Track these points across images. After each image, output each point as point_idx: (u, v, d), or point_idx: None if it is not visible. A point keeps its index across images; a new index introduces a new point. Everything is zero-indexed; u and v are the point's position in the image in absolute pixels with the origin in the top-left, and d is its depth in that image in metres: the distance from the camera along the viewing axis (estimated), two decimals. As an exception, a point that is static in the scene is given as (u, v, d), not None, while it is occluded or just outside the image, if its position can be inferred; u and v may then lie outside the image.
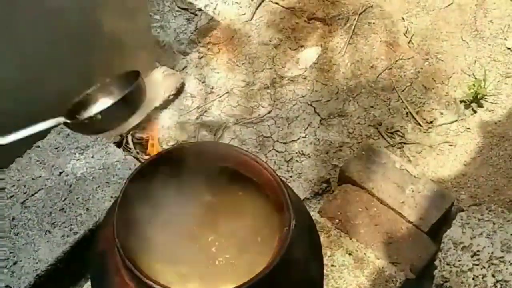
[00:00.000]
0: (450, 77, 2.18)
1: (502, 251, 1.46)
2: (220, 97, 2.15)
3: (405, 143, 2.03)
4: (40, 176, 1.59)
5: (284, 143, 2.04)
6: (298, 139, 2.05)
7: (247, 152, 1.16)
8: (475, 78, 2.16)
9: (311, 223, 1.23)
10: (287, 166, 1.98)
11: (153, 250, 1.13)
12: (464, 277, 1.43)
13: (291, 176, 1.96)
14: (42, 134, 1.67)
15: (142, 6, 1.90)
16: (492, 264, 1.44)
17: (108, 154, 1.65)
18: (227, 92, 2.16)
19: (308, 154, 2.01)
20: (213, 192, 1.21)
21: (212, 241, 1.16)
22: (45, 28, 1.63)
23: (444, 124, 2.07)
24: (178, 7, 2.37)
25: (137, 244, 1.10)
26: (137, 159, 1.87)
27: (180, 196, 1.19)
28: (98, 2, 1.71)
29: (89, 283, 1.50)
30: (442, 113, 2.10)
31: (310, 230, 1.21)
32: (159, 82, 2.08)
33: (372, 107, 2.12)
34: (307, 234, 1.18)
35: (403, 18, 2.34)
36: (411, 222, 1.69)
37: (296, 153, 2.01)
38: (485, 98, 2.11)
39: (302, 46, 2.28)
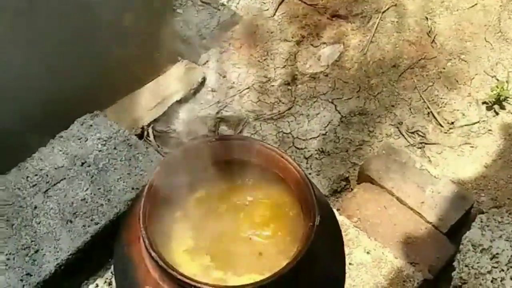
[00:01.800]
0: (473, 78, 2.17)
1: (523, 254, 1.45)
2: (240, 92, 2.15)
3: (425, 143, 2.02)
4: (62, 166, 1.60)
5: (304, 140, 2.04)
6: (318, 136, 2.04)
7: (272, 146, 1.16)
8: (498, 80, 2.14)
9: (334, 220, 1.23)
10: (307, 163, 1.98)
11: (177, 242, 1.14)
12: (482, 280, 1.42)
13: (310, 173, 1.96)
14: (65, 125, 1.68)
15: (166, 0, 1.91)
16: (511, 267, 1.44)
17: (130, 146, 1.65)
18: (248, 88, 2.16)
19: (328, 151, 2.00)
20: (237, 186, 1.21)
21: (236, 234, 1.17)
22: (70, 23, 1.64)
23: (466, 125, 2.06)
24: (201, 1, 2.37)
25: (161, 235, 1.11)
26: (158, 152, 1.88)
27: (204, 189, 1.20)
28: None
29: (109, 273, 1.51)
30: (464, 114, 2.09)
31: (334, 227, 1.21)
32: (180, 76, 2.09)
33: (393, 106, 2.11)
34: (331, 230, 1.18)
35: (426, 18, 2.32)
36: (430, 223, 1.69)
37: (316, 150, 2.01)
38: (508, 100, 2.09)
39: (324, 43, 2.27)
